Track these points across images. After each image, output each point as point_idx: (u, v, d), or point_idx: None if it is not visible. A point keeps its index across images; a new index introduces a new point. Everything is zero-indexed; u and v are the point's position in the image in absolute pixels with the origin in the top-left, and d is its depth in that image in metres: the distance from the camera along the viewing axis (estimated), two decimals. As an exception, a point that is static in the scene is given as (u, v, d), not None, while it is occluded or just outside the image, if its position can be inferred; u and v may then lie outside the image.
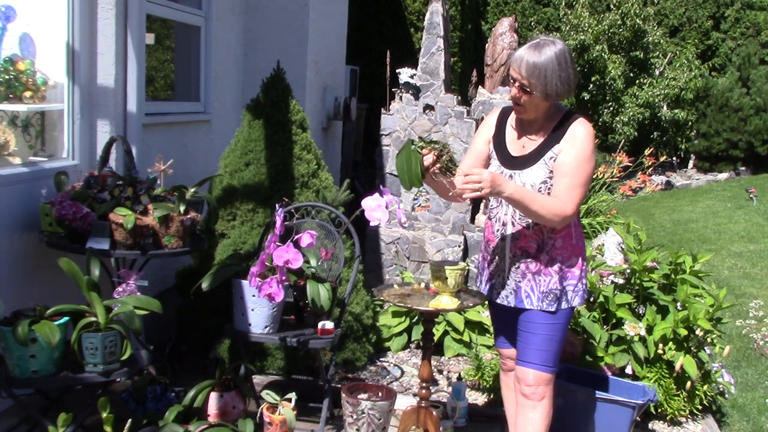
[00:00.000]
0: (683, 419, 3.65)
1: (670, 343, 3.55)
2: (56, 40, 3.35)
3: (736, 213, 9.68)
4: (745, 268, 7.24)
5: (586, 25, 11.62)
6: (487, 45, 6.05)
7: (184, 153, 4.41)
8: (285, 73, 3.87)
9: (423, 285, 3.02)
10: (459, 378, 3.76)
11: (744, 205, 10.06)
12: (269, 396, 2.94)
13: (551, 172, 2.57)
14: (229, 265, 3.14)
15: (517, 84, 2.53)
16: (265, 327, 3.02)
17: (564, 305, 2.64)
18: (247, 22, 5.34)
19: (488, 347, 4.04)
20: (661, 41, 12.15)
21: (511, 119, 2.73)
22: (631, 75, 11.85)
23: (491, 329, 3.99)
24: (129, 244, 2.98)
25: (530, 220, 2.61)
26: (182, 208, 3.09)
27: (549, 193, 2.58)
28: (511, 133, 2.72)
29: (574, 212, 2.54)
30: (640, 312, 3.72)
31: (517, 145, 2.67)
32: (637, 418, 3.35)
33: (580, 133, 2.56)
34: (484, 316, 4.19)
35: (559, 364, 2.72)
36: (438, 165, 2.46)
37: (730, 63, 12.80)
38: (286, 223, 2.93)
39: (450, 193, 2.53)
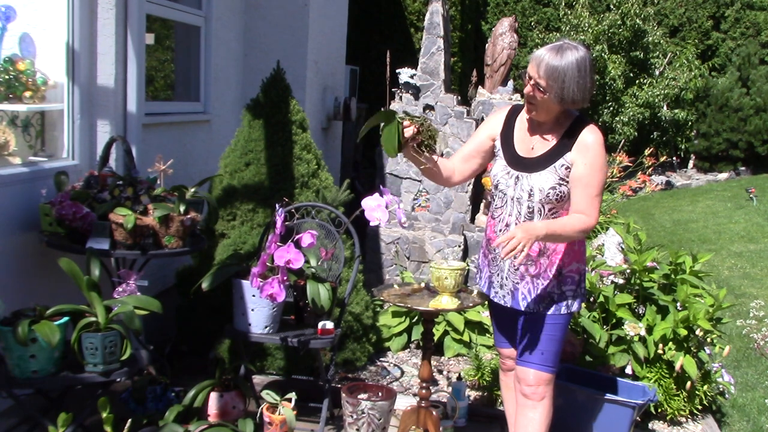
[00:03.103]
0: (683, 419, 3.65)
1: (670, 343, 3.55)
2: (56, 40, 3.34)
3: (736, 213, 9.68)
4: (745, 268, 7.24)
5: (586, 25, 11.63)
6: (487, 45, 6.05)
7: (184, 153, 4.41)
8: (285, 73, 3.87)
9: (423, 285, 3.02)
10: (459, 378, 3.76)
11: (744, 205, 10.06)
12: (269, 396, 2.94)
13: (561, 179, 2.56)
14: (229, 265, 3.14)
15: (532, 82, 2.51)
16: (266, 327, 3.02)
17: (563, 310, 2.63)
18: (247, 21, 5.34)
19: (488, 347, 4.04)
20: (661, 41, 12.15)
21: (521, 118, 2.72)
22: (631, 75, 11.85)
23: (491, 329, 4.00)
24: (129, 244, 2.98)
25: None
26: (182, 208, 3.09)
27: (557, 199, 2.57)
28: (519, 132, 2.70)
29: (596, 223, 2.57)
30: (640, 312, 3.72)
31: (525, 145, 2.66)
32: (637, 418, 3.35)
33: (591, 142, 2.55)
34: (484, 316, 4.19)
35: (559, 364, 2.72)
36: (419, 138, 2.51)
37: (730, 63, 12.80)
38: (286, 223, 2.93)
39: (422, 167, 2.61)
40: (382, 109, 2.62)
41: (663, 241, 7.73)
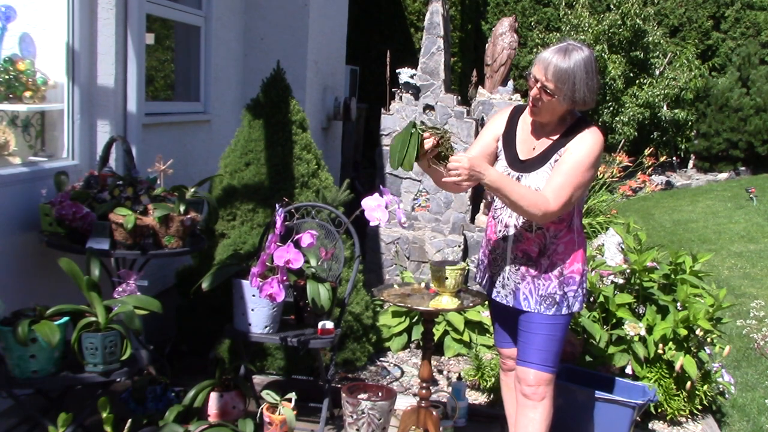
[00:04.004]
0: (683, 419, 3.65)
1: (670, 343, 3.55)
2: (56, 40, 3.34)
3: (736, 213, 9.68)
4: (745, 268, 7.24)
5: (586, 25, 11.63)
6: (487, 45, 6.05)
7: (184, 153, 4.41)
8: (285, 73, 3.87)
9: (423, 285, 3.02)
10: (459, 378, 3.76)
11: (744, 205, 10.06)
12: (269, 396, 2.94)
13: None
14: (229, 265, 3.14)
15: (539, 85, 2.50)
16: (266, 327, 3.02)
17: (564, 310, 2.62)
18: (247, 21, 5.34)
19: (488, 347, 4.04)
20: (661, 41, 12.15)
21: (523, 119, 2.71)
22: (631, 75, 11.85)
23: (491, 329, 4.00)
24: (129, 244, 2.98)
25: (534, 224, 2.60)
26: (182, 208, 3.09)
27: None
28: (522, 133, 2.69)
29: (557, 211, 2.48)
30: (640, 312, 3.72)
31: (527, 146, 2.65)
32: (637, 418, 3.35)
33: (588, 139, 2.53)
34: (484, 316, 4.19)
35: (559, 364, 2.72)
36: (437, 150, 2.43)
37: (730, 63, 12.80)
38: (286, 223, 2.93)
39: (443, 179, 2.52)
40: (409, 120, 2.51)
41: (663, 241, 7.73)
